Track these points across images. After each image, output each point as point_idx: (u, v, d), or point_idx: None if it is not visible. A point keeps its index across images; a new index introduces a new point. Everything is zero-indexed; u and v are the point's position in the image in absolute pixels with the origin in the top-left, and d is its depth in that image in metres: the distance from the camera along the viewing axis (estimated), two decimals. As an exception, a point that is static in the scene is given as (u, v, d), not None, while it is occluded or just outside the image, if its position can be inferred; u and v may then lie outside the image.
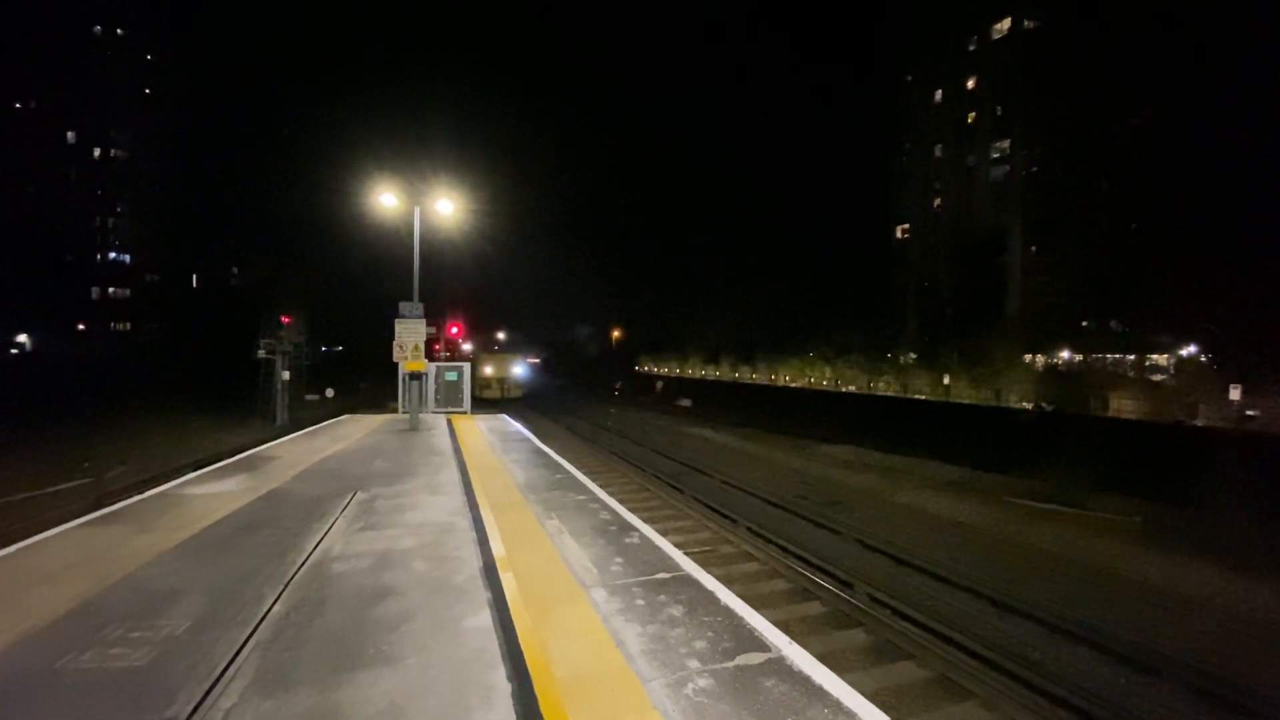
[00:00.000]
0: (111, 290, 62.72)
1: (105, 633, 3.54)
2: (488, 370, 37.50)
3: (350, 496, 6.93)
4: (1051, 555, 9.56)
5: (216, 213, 67.72)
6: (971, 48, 51.97)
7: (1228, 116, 34.95)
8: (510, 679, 3.08)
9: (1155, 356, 41.40)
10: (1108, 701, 5.22)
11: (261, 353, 26.33)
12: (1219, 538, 9.75)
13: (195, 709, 2.80)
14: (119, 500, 6.83)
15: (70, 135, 60.72)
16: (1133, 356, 42.03)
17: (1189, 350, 38.60)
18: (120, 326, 62.47)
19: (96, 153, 61.82)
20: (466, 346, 43.99)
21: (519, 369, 36.83)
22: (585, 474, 8.67)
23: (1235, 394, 29.78)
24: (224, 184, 68.61)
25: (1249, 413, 28.90)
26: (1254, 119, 33.58)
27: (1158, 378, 38.68)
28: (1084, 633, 6.55)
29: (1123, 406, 31.31)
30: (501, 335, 33.93)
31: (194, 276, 68.81)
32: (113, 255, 63.00)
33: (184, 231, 64.21)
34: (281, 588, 4.23)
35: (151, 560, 4.78)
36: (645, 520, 6.43)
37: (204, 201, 65.91)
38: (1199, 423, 25.60)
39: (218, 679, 3.06)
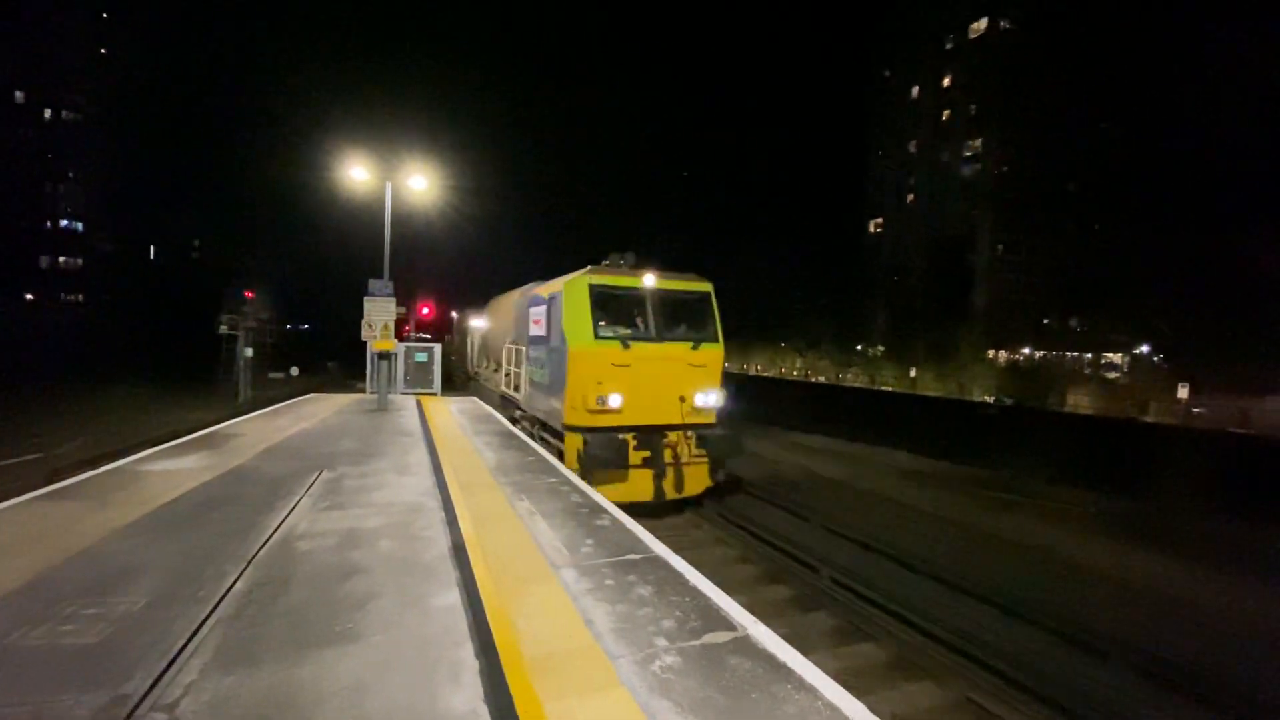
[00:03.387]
0: (62, 260, 60.12)
1: (57, 609, 3.43)
2: (613, 399, 9.08)
3: (316, 475, 6.81)
4: (1008, 542, 9.89)
5: (177, 182, 65.47)
6: (949, 46, 52.57)
7: (1189, 125, 36.11)
8: (478, 656, 3.08)
9: (1110, 355, 42.97)
10: (1056, 679, 5.45)
11: (223, 328, 25.56)
12: (1165, 527, 10.22)
13: (153, 685, 2.74)
14: (72, 476, 6.59)
15: (19, 95, 57.65)
16: (1090, 354, 43.57)
17: (1142, 349, 40.17)
18: (72, 297, 59.97)
19: (48, 114, 58.85)
20: (514, 315, 16.36)
21: (712, 397, 9.84)
22: (557, 457, 8.66)
23: (1184, 392, 31.20)
24: (185, 152, 66.25)
25: (1196, 410, 30.29)
26: (1214, 129, 34.73)
27: (1112, 375, 40.25)
28: (1036, 615, 6.81)
29: (1079, 402, 32.53)
30: (647, 281, 9.83)
31: (152, 248, 66.31)
32: (64, 223, 60.29)
33: (142, 200, 61.80)
34: (244, 565, 4.15)
35: (106, 537, 4.63)
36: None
37: (164, 170, 63.59)
38: (1149, 419, 26.73)
39: (176, 655, 2.99)
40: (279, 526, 4.99)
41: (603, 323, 9.29)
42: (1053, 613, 6.82)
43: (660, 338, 9.55)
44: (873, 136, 60.67)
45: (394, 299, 12.96)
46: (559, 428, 9.54)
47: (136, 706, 2.59)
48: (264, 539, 4.68)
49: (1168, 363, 35.85)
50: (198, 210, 68.03)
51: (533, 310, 11.45)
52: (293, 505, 5.60)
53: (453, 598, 3.76)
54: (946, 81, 52.70)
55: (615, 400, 9.01)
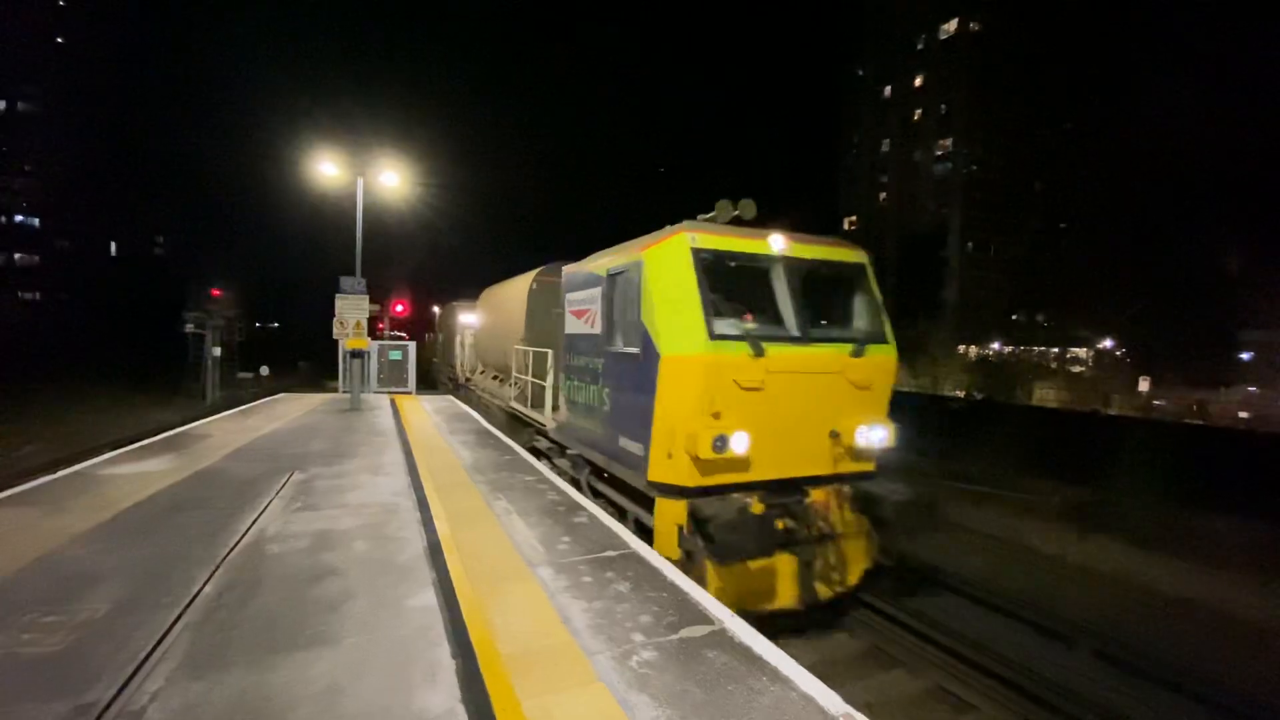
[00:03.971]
0: (17, 256, 57.92)
1: (15, 618, 3.33)
2: (737, 441, 5.42)
3: (287, 476, 6.69)
4: (977, 534, 10.13)
5: (139, 176, 63.26)
6: (920, 46, 53.30)
7: (1151, 127, 37.20)
8: (455, 656, 3.06)
9: (1075, 350, 44.17)
10: (1022, 667, 5.60)
11: (189, 326, 24.94)
12: (1124, 517, 10.54)
13: (118, 694, 2.67)
14: (30, 480, 6.37)
15: (-32, 85, 55.36)
16: (1056, 349, 44.76)
17: (1105, 344, 41.42)
18: (29, 295, 57.86)
19: (1, 105, 56.62)
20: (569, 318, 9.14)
21: (878, 432, 6.21)
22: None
23: (1144, 385, 32.25)
24: (148, 145, 64.06)
25: (1156, 402, 31.35)
26: (1176, 132, 35.84)
27: (1077, 369, 41.43)
28: (1003, 604, 6.99)
29: (1045, 396, 33.39)
30: (776, 244, 6.15)
31: (112, 244, 64.17)
32: (19, 218, 58.08)
33: (102, 195, 59.71)
34: (213, 569, 4.06)
35: (67, 542, 4.50)
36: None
37: (125, 163, 61.36)
38: (1112, 411, 27.56)
39: (142, 663, 2.92)
40: (249, 529, 4.89)
41: (719, 313, 5.64)
42: (1021, 600, 7.03)
43: (807, 338, 5.92)
44: (847, 135, 61.36)
45: (367, 296, 12.78)
46: (637, 484, 6.05)
47: (101, 715, 2.53)
48: (233, 542, 4.58)
49: (1129, 357, 37.01)
50: (161, 205, 66.03)
51: (571, 297, 7.97)
52: (263, 507, 5.49)
53: (429, 598, 3.73)
54: (918, 82, 53.49)
55: (740, 442, 5.36)
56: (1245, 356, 35.55)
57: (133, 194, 62.56)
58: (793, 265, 6.18)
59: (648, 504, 5.88)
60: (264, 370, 30.84)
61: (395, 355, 17.09)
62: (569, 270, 8.24)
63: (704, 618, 3.57)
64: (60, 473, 6.69)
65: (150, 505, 5.48)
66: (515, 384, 10.86)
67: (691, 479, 5.46)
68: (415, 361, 17.34)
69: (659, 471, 5.68)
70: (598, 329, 7.10)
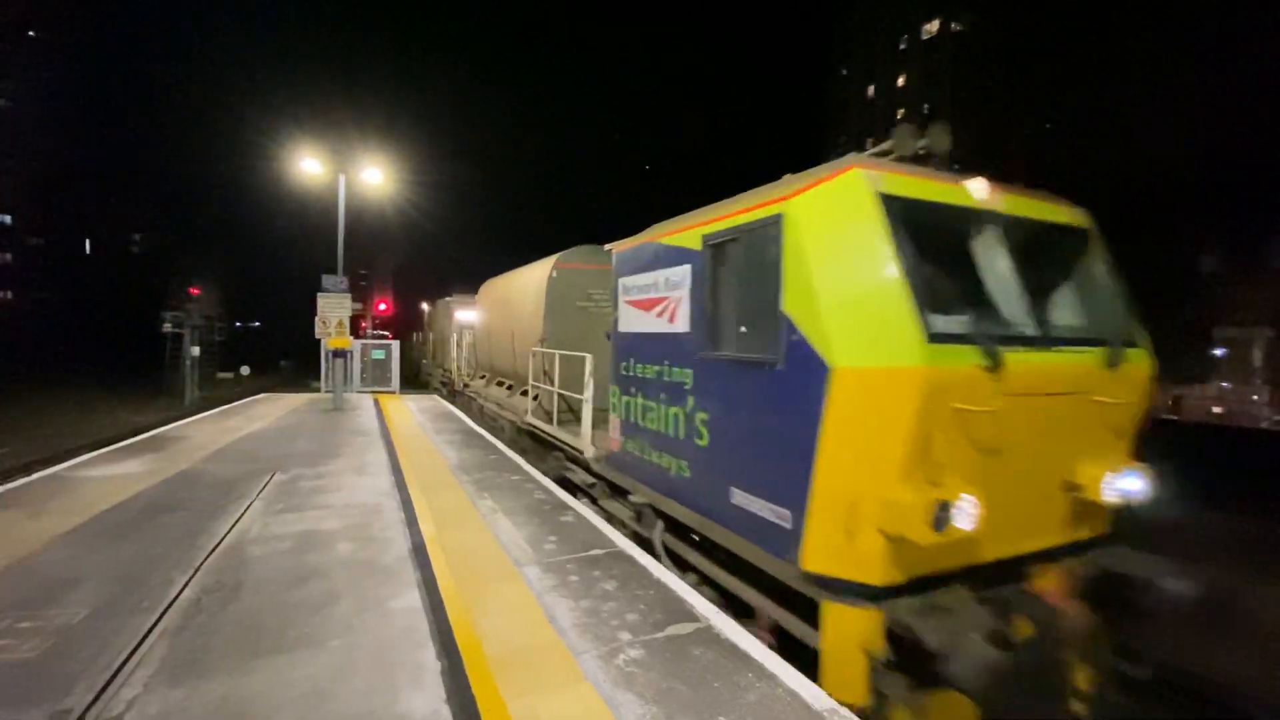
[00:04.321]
0: (-11, 254, 56.63)
1: (-13, 624, 3.25)
2: (962, 513, 3.03)
3: (269, 478, 6.60)
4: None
5: (114, 173, 62.02)
6: (903, 46, 53.77)
7: (1132, 125, 37.84)
8: (440, 657, 3.05)
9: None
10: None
11: (167, 326, 24.53)
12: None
13: (94, 700, 2.63)
14: (5, 483, 6.24)
15: (-64, 78, 53.95)
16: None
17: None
18: (1, 294, 56.60)
19: (-31, 100, 55.24)
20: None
21: (1129, 480, 3.84)
22: (519, 454, 8.60)
23: (1122, 382, 32.74)
24: (123, 141, 62.82)
25: (1133, 399, 31.86)
26: (1157, 130, 36.44)
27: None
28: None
29: (1026, 392, 33.78)
30: (978, 192, 3.85)
31: (87, 241, 62.88)
32: (-10, 215, 56.77)
33: (76, 192, 58.49)
34: (192, 572, 4.00)
35: (42, 546, 4.41)
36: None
37: (99, 160, 60.12)
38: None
39: (119, 668, 2.88)
40: (229, 531, 4.83)
41: (935, 299, 3.40)
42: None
43: (1046, 339, 3.74)
44: (830, 134, 61.70)
45: (349, 295, 12.66)
46: (781, 573, 3.66)
47: (77, 723, 2.48)
48: (213, 544, 4.52)
49: (1108, 354, 37.55)
50: (137, 202, 64.79)
51: (629, 283, 5.85)
52: (244, 509, 5.42)
53: (414, 599, 3.70)
54: (900, 81, 53.94)
55: (967, 514, 3.09)
56: (1219, 353, 36.32)
57: (108, 191, 61.34)
58: (1010, 227, 4.04)
59: (799, 604, 3.64)
60: (245, 370, 30.43)
61: (378, 354, 16.94)
62: (623, 248, 6.08)
63: (690, 615, 3.58)
64: (36, 475, 6.56)
65: (128, 508, 5.39)
66: (533, 395, 9.11)
67: (885, 574, 3.27)
68: (399, 361, 17.21)
69: (825, 558, 3.40)
70: (681, 325, 4.97)
